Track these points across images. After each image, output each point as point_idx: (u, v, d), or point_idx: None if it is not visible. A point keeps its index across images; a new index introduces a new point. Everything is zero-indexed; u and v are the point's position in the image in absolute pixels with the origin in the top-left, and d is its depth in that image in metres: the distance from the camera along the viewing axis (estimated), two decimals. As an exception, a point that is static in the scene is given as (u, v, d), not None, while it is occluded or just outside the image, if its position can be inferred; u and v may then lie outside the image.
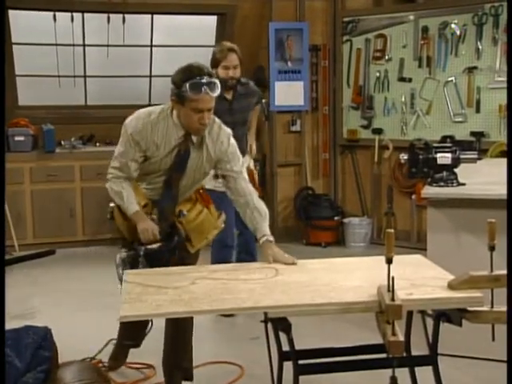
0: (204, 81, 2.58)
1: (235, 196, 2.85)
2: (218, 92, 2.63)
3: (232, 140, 2.83)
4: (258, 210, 2.77)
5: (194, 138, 2.76)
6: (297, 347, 2.20)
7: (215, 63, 4.00)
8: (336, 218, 5.94)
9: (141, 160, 2.76)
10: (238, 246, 4.37)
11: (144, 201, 2.82)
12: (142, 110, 2.77)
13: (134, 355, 3.30)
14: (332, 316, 2.51)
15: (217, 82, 2.62)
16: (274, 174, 6.13)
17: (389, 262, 1.93)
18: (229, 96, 4.07)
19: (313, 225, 5.92)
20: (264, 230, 2.72)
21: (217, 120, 2.81)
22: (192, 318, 2.91)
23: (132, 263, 2.63)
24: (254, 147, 4.50)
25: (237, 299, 2.11)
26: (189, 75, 2.60)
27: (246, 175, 2.88)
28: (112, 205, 2.83)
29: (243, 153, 4.24)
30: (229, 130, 2.85)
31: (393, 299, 1.88)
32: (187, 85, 2.57)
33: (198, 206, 2.91)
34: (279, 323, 2.12)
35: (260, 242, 2.72)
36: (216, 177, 4.17)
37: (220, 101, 4.01)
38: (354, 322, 3.65)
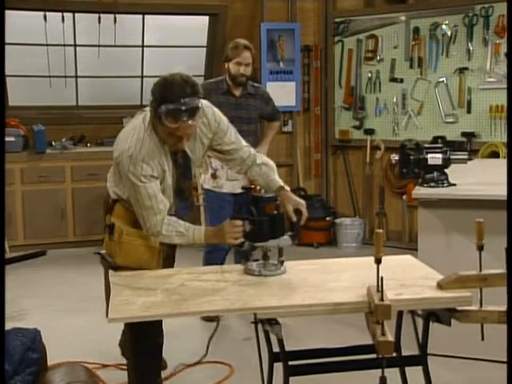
0: (183, 107, 2.25)
1: (240, 165, 2.70)
2: (198, 117, 2.35)
3: (216, 112, 2.60)
4: (265, 164, 2.73)
5: None
6: (287, 348, 2.19)
7: (228, 58, 4.07)
8: (328, 219, 5.95)
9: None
10: (237, 251, 4.33)
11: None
12: (130, 147, 2.39)
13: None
14: (322, 317, 2.50)
15: (199, 105, 2.30)
16: (265, 174, 6.11)
17: (378, 262, 1.93)
18: (237, 92, 4.13)
19: (305, 225, 5.87)
20: (277, 180, 2.69)
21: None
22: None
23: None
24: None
25: (226, 301, 2.11)
26: (168, 95, 2.27)
27: (244, 143, 2.71)
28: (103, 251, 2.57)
29: None
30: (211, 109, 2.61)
31: (382, 299, 1.88)
32: (164, 109, 2.26)
33: None
34: (269, 324, 2.11)
35: (279, 195, 2.63)
36: (214, 176, 4.21)
37: (227, 96, 4.08)
38: (344, 323, 3.65)
